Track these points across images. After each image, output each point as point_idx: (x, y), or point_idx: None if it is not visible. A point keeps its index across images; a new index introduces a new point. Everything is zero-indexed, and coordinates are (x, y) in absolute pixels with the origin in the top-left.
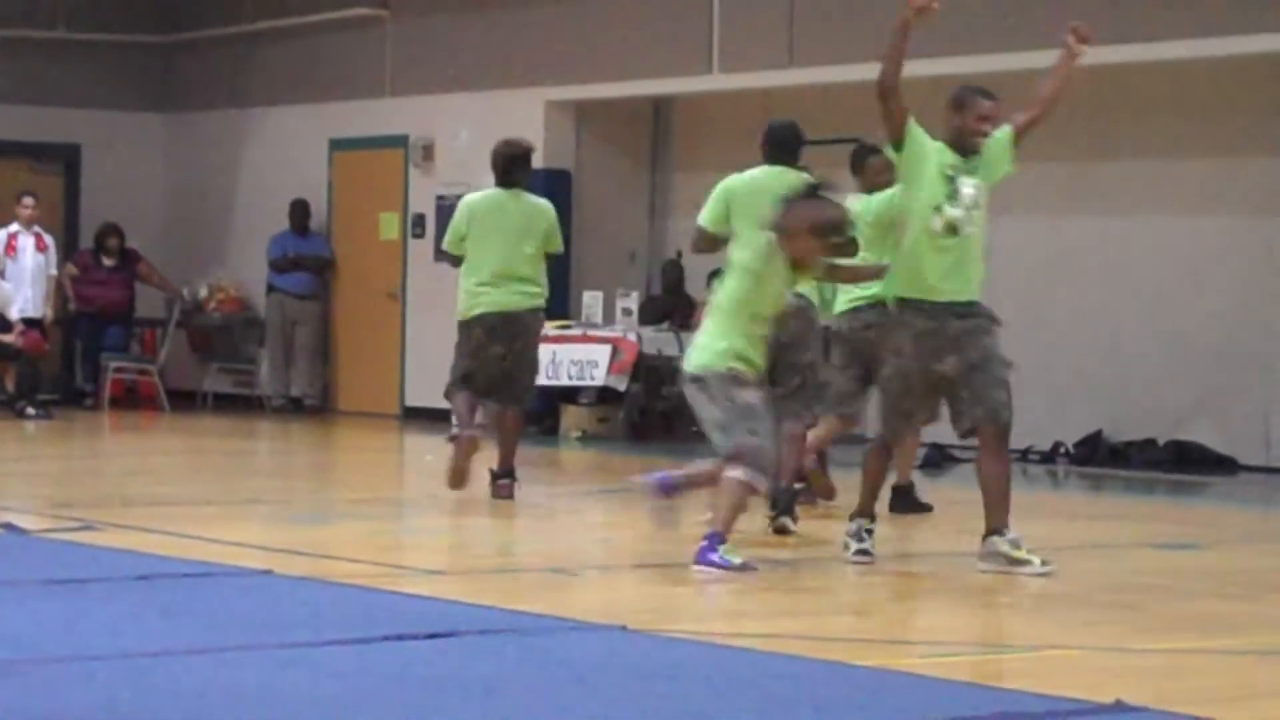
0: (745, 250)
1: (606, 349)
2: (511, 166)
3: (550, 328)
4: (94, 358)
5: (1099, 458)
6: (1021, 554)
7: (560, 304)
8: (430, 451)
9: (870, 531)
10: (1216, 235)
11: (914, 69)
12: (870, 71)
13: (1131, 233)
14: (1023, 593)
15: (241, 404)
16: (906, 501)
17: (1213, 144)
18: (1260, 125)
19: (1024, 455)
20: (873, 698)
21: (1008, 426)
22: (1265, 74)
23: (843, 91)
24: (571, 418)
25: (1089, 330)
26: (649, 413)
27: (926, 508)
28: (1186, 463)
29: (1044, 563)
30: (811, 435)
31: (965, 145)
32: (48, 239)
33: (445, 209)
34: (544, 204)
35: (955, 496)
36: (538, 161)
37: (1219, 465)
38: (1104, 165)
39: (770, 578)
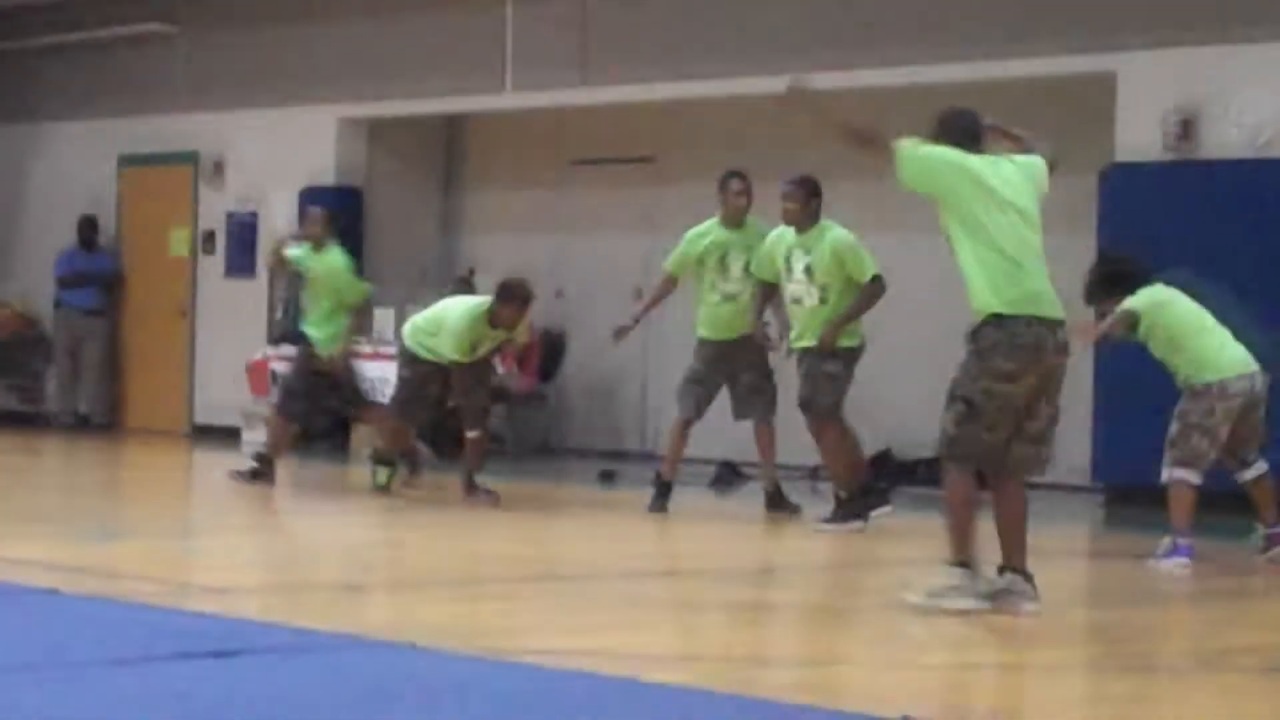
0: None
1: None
2: None
3: None
4: None
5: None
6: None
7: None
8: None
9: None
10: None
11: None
12: (661, 91)
13: (939, 247)
14: (819, 608)
15: (28, 421)
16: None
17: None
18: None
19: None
20: (661, 713)
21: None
22: (1052, 95)
23: (634, 111)
24: (362, 435)
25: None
26: (441, 428)
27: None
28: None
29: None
30: None
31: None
32: None
33: (235, 225)
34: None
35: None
36: (329, 180)
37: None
38: (889, 183)
39: (565, 596)
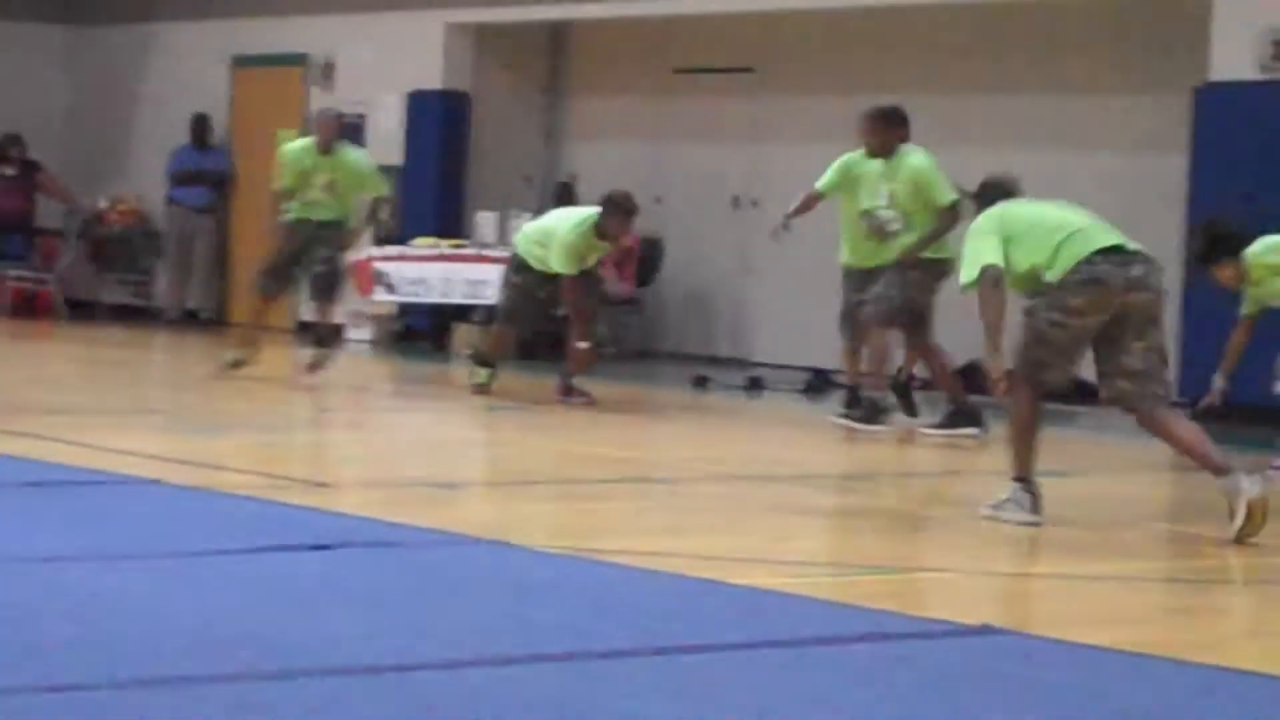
0: None
1: (499, 269)
2: None
3: (444, 246)
4: None
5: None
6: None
7: (454, 224)
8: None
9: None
10: (1101, 169)
11: None
12: (763, 2)
13: (1026, 164)
14: (895, 517)
15: (138, 315)
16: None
17: (1098, 82)
18: (1140, 64)
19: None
20: (746, 615)
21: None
22: (1144, 13)
23: (737, 21)
24: (462, 335)
25: None
26: (539, 332)
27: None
28: (1054, 394)
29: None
30: None
31: None
32: None
33: (344, 128)
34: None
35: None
36: (435, 84)
37: (1088, 395)
38: (995, 99)
39: (657, 498)
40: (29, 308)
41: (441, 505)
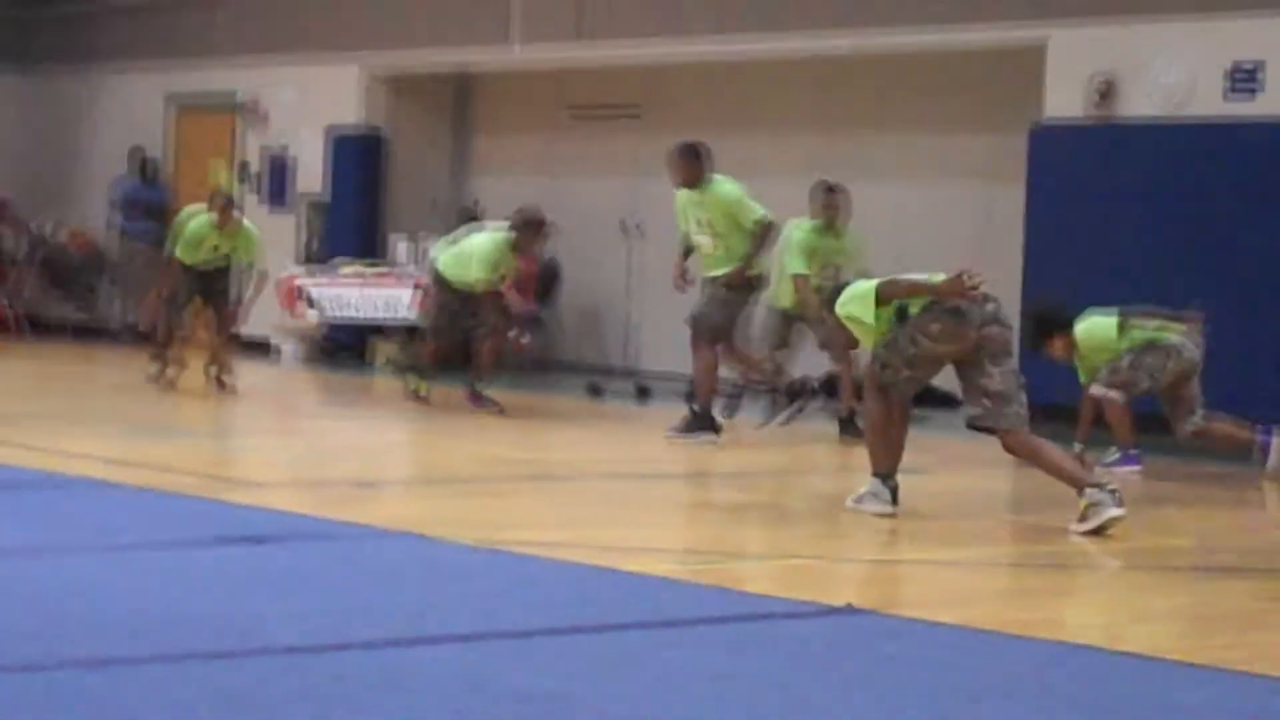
0: None
1: (410, 289)
2: None
3: (363, 269)
4: None
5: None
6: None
7: (372, 247)
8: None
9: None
10: (947, 200)
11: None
12: (648, 51)
13: (878, 197)
14: (769, 510)
15: (85, 332)
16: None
17: (945, 121)
18: (981, 106)
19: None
20: (637, 598)
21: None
22: (984, 62)
23: (624, 68)
24: (380, 349)
25: None
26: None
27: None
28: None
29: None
30: None
31: None
32: None
33: (271, 161)
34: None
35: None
36: (354, 122)
37: (944, 401)
38: (852, 136)
39: (556, 494)
40: None
41: (363, 502)
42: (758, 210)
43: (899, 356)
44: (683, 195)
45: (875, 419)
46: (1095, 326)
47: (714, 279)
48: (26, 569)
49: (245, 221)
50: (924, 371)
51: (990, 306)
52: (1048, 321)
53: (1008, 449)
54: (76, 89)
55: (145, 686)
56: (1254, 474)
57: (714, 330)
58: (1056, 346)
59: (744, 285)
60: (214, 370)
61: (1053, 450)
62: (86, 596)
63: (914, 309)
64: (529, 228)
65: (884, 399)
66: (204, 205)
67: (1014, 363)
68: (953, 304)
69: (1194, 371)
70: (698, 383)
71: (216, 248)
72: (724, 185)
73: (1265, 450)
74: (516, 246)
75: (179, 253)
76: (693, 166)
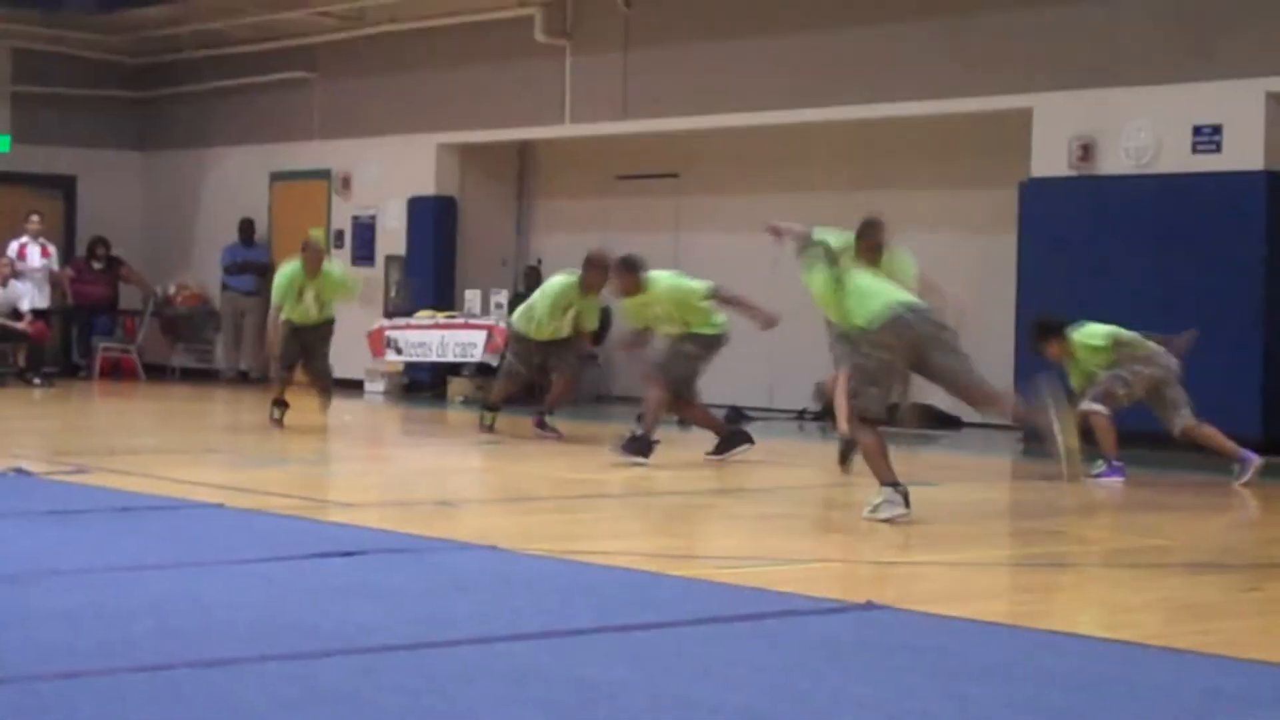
0: None
1: (483, 334)
2: None
3: (440, 317)
4: (86, 340)
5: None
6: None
7: (447, 299)
8: (348, 413)
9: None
10: (948, 249)
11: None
12: (683, 124)
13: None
14: (796, 520)
15: (202, 376)
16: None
17: (945, 180)
18: (976, 166)
19: (800, 415)
20: (683, 599)
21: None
22: (978, 127)
23: (664, 139)
24: (456, 387)
25: None
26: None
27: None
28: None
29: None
30: None
31: None
32: (50, 247)
33: (359, 226)
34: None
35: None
36: (430, 191)
37: (949, 422)
38: (863, 194)
39: (611, 510)
40: (115, 371)
41: (443, 519)
42: (698, 286)
43: (862, 374)
44: (630, 302)
45: (870, 449)
46: (1089, 331)
47: (680, 336)
48: (152, 581)
49: (331, 265)
50: (885, 383)
51: (926, 315)
52: (1045, 327)
53: (973, 403)
54: (190, 166)
55: (257, 684)
56: (1229, 484)
57: (675, 383)
58: (1052, 349)
59: (706, 341)
60: (319, 404)
61: (1008, 392)
62: (204, 605)
63: (865, 323)
64: (593, 267)
65: (871, 429)
66: (296, 256)
67: (961, 351)
68: (895, 315)
69: (1170, 377)
70: (647, 413)
71: (316, 296)
72: (661, 281)
73: (1245, 465)
74: (585, 285)
75: (285, 312)
76: (631, 279)
